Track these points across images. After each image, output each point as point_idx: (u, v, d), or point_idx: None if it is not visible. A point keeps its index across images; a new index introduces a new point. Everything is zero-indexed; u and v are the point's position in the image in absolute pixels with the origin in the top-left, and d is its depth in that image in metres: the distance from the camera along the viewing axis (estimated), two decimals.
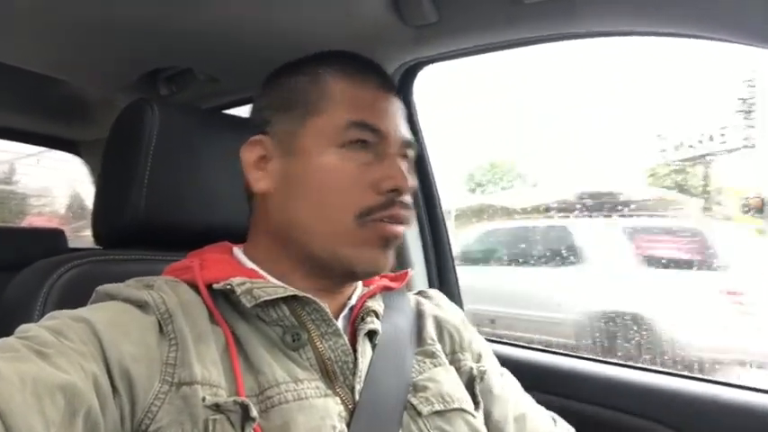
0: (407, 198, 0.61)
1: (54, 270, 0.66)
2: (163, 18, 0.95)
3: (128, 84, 1.20)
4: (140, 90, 1.22)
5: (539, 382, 0.92)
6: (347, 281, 0.64)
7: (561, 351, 1.05)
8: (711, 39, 0.73)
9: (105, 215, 0.77)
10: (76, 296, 0.57)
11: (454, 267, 1.18)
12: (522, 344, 1.11)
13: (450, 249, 1.18)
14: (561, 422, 0.74)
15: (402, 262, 1.12)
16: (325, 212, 0.59)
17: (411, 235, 1.15)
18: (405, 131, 0.64)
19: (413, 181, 0.64)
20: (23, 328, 0.48)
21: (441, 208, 1.18)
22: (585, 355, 1.02)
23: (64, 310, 0.52)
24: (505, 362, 0.77)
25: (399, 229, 0.61)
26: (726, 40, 0.71)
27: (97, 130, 1.67)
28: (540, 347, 1.08)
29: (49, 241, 1.78)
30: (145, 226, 0.74)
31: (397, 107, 0.65)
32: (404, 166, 0.62)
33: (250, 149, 0.64)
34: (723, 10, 0.68)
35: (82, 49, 1.07)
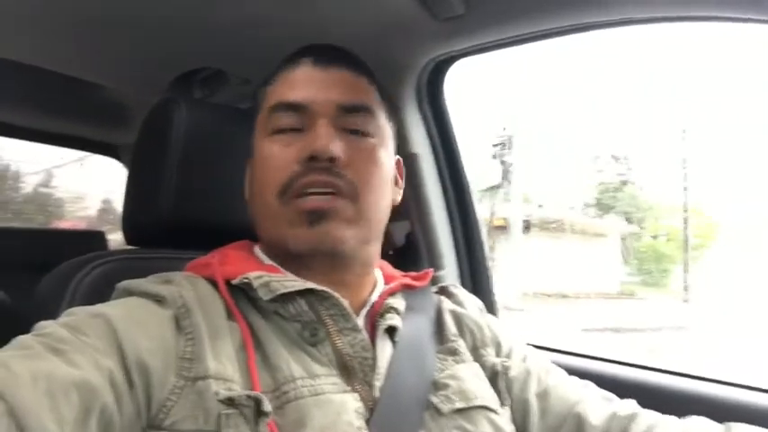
0: (336, 166, 0.57)
1: (80, 269, 0.66)
2: (194, 19, 0.96)
3: (163, 86, 1.23)
4: (176, 92, 1.24)
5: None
6: (310, 263, 0.60)
7: (617, 360, 1.00)
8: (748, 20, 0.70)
9: (134, 214, 0.78)
10: (102, 294, 0.58)
11: (488, 269, 1.15)
12: (571, 351, 1.06)
13: (483, 251, 1.15)
14: (593, 387, 0.69)
15: (433, 263, 1.10)
16: (259, 200, 0.61)
17: (442, 233, 1.13)
18: (341, 97, 0.60)
19: (361, 151, 0.60)
20: (40, 325, 0.48)
21: (474, 209, 1.15)
22: (643, 365, 0.97)
23: (82, 307, 0.52)
24: None
25: (323, 201, 0.57)
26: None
27: (135, 134, 1.71)
28: (592, 356, 1.03)
29: (90, 243, 1.84)
30: (173, 225, 0.74)
31: (335, 77, 0.61)
32: (337, 132, 0.59)
33: (249, 163, 0.68)
34: None
35: (117, 53, 1.10)
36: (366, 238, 0.62)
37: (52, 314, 0.51)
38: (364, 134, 0.62)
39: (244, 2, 0.89)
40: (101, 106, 1.53)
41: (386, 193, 0.64)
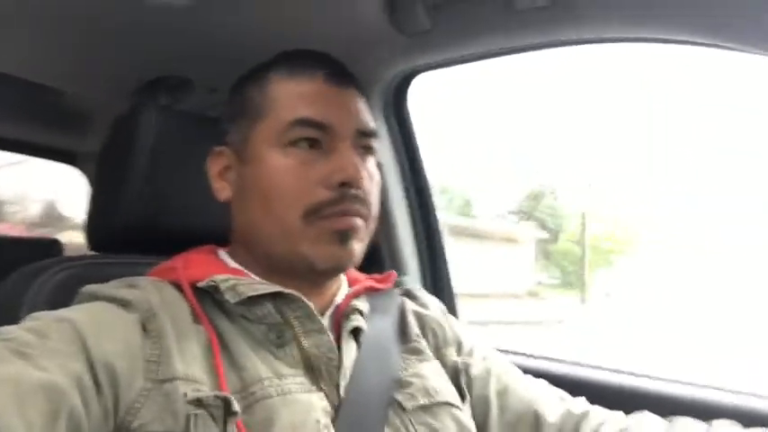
0: (362, 192, 0.60)
1: (41, 273, 0.65)
2: (160, 27, 0.96)
3: (127, 93, 1.21)
4: (141, 100, 1.23)
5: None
6: (319, 278, 0.63)
7: (568, 360, 1.04)
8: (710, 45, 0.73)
9: (98, 219, 0.77)
10: (64, 299, 0.57)
11: (448, 273, 1.18)
12: (526, 353, 1.10)
13: (444, 256, 1.18)
14: (549, 387, 0.73)
15: (396, 267, 1.12)
16: (274, 213, 0.59)
17: (405, 239, 1.16)
18: (359, 122, 0.62)
19: (370, 173, 0.62)
20: (4, 330, 0.48)
21: (435, 217, 1.18)
22: (594, 365, 1.01)
23: (46, 312, 0.52)
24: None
25: (354, 221, 0.60)
26: (738, 49, 0.70)
27: (96, 141, 1.67)
28: (546, 357, 1.07)
29: (45, 250, 1.78)
30: (137, 230, 0.74)
31: (349, 98, 0.63)
32: (358, 157, 0.61)
33: (213, 161, 0.66)
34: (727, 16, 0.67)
35: (79, 58, 1.08)
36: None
37: (12, 320, 0.51)
38: (371, 154, 0.64)
39: (210, 11, 0.90)
40: (60, 113, 1.50)
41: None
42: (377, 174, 0.65)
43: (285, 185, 0.59)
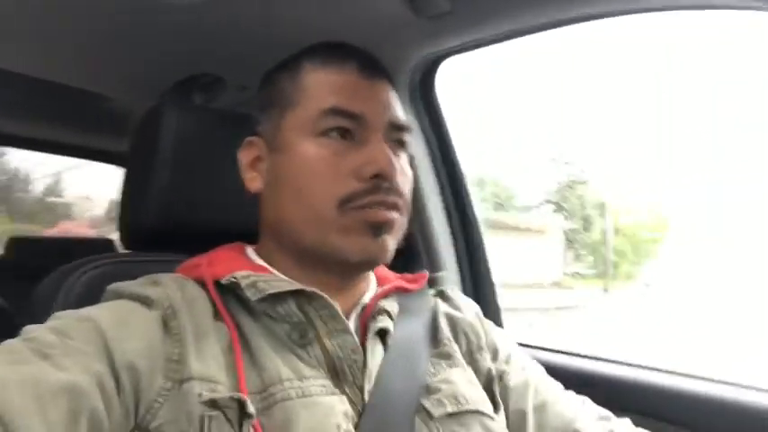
0: (395, 183, 0.58)
1: (71, 274, 0.67)
2: (192, 27, 0.97)
3: (160, 93, 1.24)
4: (175, 99, 1.25)
5: (577, 388, 0.89)
6: (349, 272, 0.61)
7: (601, 357, 1.00)
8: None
9: (127, 218, 0.78)
10: (93, 298, 0.58)
11: (489, 271, 1.13)
12: (558, 349, 1.06)
13: (484, 252, 1.14)
14: (590, 404, 0.70)
15: (431, 264, 1.09)
16: (307, 203, 0.58)
17: (441, 235, 1.12)
18: (392, 114, 0.61)
19: (402, 166, 0.61)
20: (28, 329, 0.48)
21: (473, 210, 1.14)
22: (628, 362, 0.97)
23: (69, 311, 0.52)
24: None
25: (388, 214, 0.58)
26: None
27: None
28: (578, 353, 1.03)
29: (99, 250, 1.84)
30: (164, 227, 0.75)
31: (381, 90, 0.62)
32: (390, 150, 0.59)
33: (245, 151, 0.65)
34: None
35: (116, 62, 1.11)
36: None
37: (43, 319, 0.52)
38: (403, 148, 0.63)
39: (238, 6, 0.90)
40: (101, 115, 1.55)
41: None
42: (409, 169, 0.63)
43: (317, 175, 0.58)
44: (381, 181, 0.57)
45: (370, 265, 0.62)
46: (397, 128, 0.61)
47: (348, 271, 0.61)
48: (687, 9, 0.75)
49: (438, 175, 1.14)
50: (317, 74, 0.61)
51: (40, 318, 0.60)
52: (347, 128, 0.58)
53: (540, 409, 0.64)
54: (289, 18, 0.93)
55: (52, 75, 1.17)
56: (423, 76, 1.07)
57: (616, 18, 0.83)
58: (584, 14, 0.83)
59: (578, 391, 0.73)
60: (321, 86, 0.60)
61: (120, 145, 1.84)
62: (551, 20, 0.85)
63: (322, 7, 0.89)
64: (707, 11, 0.77)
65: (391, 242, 0.59)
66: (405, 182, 0.61)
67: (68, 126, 1.68)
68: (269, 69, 0.68)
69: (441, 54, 1.02)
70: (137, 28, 0.97)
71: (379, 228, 0.58)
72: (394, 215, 0.59)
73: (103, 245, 1.91)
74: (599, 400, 0.72)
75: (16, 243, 1.85)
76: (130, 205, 0.78)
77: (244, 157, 0.65)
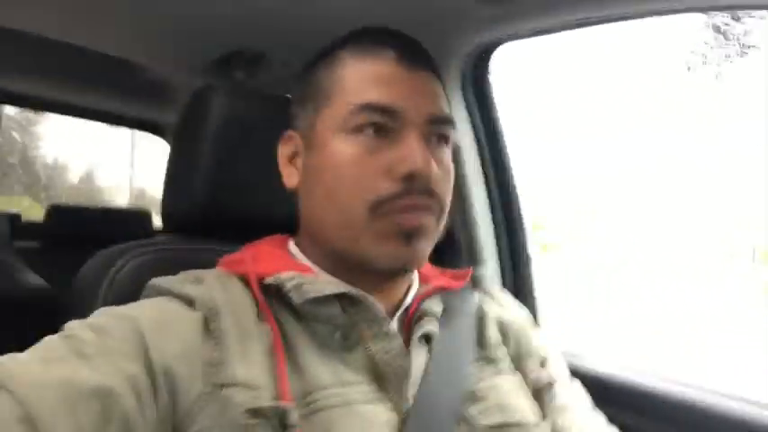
0: (430, 183, 0.54)
1: (116, 260, 0.66)
2: (236, 1, 0.94)
3: (205, 68, 1.22)
4: (217, 73, 1.23)
5: (608, 396, 0.84)
6: (382, 278, 0.58)
7: (636, 368, 0.96)
8: None
9: (171, 200, 0.77)
10: (138, 288, 0.58)
11: (530, 270, 1.09)
12: (590, 356, 1.02)
13: (527, 250, 1.09)
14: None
15: (473, 260, 1.06)
16: (338, 204, 0.55)
17: (484, 232, 1.08)
18: (432, 107, 0.57)
19: (442, 164, 0.57)
20: (68, 326, 0.48)
21: (519, 206, 1.09)
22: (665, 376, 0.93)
23: (110, 308, 0.51)
24: (575, 373, 0.71)
25: (421, 219, 0.54)
26: None
27: (177, 114, 1.73)
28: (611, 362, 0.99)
29: (136, 222, 1.89)
30: (209, 213, 0.74)
31: (422, 81, 0.57)
32: (428, 146, 0.55)
33: (283, 146, 0.63)
34: None
35: (161, 33, 1.10)
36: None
37: (88, 307, 0.52)
38: (444, 143, 0.59)
39: None
40: (146, 86, 1.56)
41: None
42: (451, 166, 0.59)
43: (348, 176, 0.54)
44: (415, 181, 0.53)
45: (402, 272, 0.59)
46: (437, 121, 0.57)
47: (380, 277, 0.58)
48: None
49: (484, 168, 1.09)
50: (351, 65, 0.58)
51: (82, 305, 0.60)
52: (381, 123, 0.54)
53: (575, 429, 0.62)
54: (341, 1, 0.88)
55: (97, 45, 1.16)
56: (476, 63, 1.02)
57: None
58: (645, 10, 0.78)
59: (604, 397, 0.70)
60: (355, 79, 0.57)
61: (165, 116, 1.85)
62: (618, 12, 0.81)
63: None
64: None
65: (426, 247, 0.57)
66: (444, 180, 0.57)
67: (109, 94, 1.70)
68: (309, 60, 0.64)
69: (498, 40, 0.96)
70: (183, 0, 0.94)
71: (411, 234, 0.54)
72: (427, 220, 0.55)
73: (141, 217, 1.94)
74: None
75: (57, 211, 1.89)
76: (175, 187, 0.77)
77: (282, 151, 0.63)
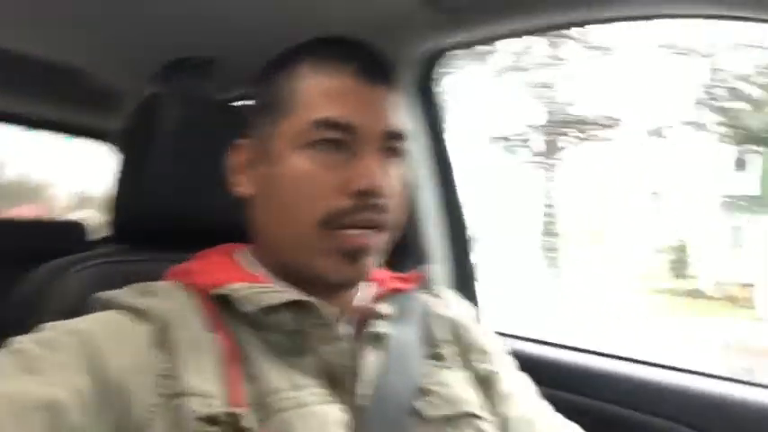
0: (383, 199, 0.55)
1: (62, 272, 0.65)
2: (184, 7, 0.94)
3: (153, 73, 1.20)
4: (165, 79, 1.21)
5: (556, 379, 0.90)
6: (332, 289, 0.60)
7: (580, 348, 1.03)
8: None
9: (122, 207, 0.76)
10: (85, 299, 0.57)
11: (472, 270, 1.14)
12: (538, 339, 1.08)
13: (468, 251, 1.14)
14: (578, 429, 0.69)
15: (421, 260, 1.09)
16: (289, 219, 0.56)
17: (432, 233, 1.11)
18: (388, 122, 0.57)
19: (396, 177, 0.58)
20: (14, 340, 0.47)
21: (461, 208, 1.14)
22: (605, 352, 1.00)
23: (58, 322, 0.51)
24: (520, 358, 0.74)
25: (368, 239, 0.56)
26: None
27: (125, 119, 1.69)
28: (557, 344, 1.05)
29: (69, 234, 1.82)
30: (160, 222, 0.73)
31: (380, 96, 0.57)
32: (383, 161, 0.56)
33: (234, 153, 0.63)
34: None
35: (107, 39, 1.08)
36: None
37: (32, 322, 0.51)
38: (398, 157, 0.59)
39: None
40: (91, 92, 1.51)
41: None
42: (404, 178, 0.60)
43: (302, 190, 0.55)
44: (368, 197, 0.54)
45: (349, 286, 0.61)
46: (393, 136, 0.58)
47: (330, 289, 0.59)
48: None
49: (432, 170, 1.13)
50: (309, 79, 0.58)
51: (25, 320, 0.58)
52: (337, 139, 0.55)
53: (529, 424, 0.64)
54: (292, 5, 0.89)
55: (40, 50, 1.13)
56: (425, 70, 1.05)
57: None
58: (595, 17, 0.83)
59: (553, 381, 0.75)
60: (312, 94, 0.57)
61: (110, 123, 1.80)
62: (570, 19, 0.85)
63: None
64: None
65: (371, 264, 0.58)
66: (395, 193, 0.58)
67: (54, 102, 1.64)
68: (261, 66, 0.64)
69: (447, 47, 0.99)
70: (131, 5, 0.93)
71: (356, 253, 0.56)
72: (374, 239, 0.56)
73: (75, 229, 1.86)
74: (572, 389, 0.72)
75: None
76: (124, 197, 0.76)
77: (231, 159, 0.63)
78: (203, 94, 1.23)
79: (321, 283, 0.58)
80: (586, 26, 0.87)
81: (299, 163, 0.55)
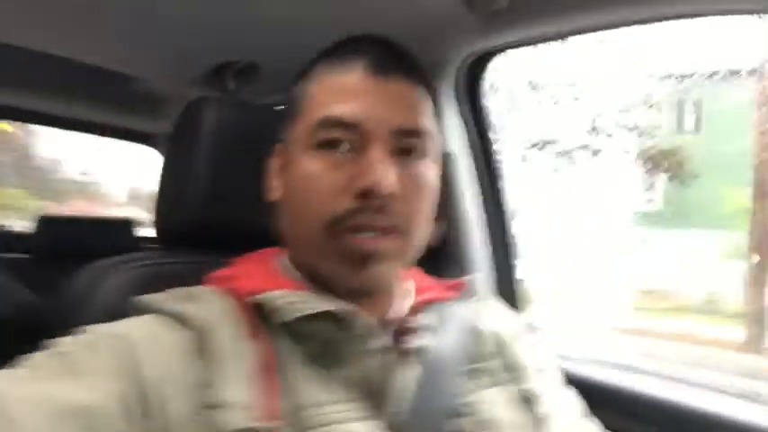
0: (389, 201, 0.51)
1: (106, 274, 0.66)
2: (228, 11, 0.94)
3: (196, 78, 1.22)
4: (209, 84, 1.23)
5: (607, 402, 0.85)
6: (355, 294, 0.56)
7: (634, 371, 0.98)
8: None
9: (165, 210, 0.77)
10: (127, 302, 0.57)
11: (516, 277, 1.10)
12: (589, 360, 1.03)
13: (514, 258, 1.10)
14: None
15: (466, 267, 1.05)
16: (299, 222, 0.55)
17: (478, 240, 1.08)
18: (400, 119, 0.54)
19: (413, 177, 0.54)
20: (60, 342, 0.48)
21: (508, 214, 1.10)
22: (665, 379, 0.94)
23: (100, 325, 0.51)
24: (570, 380, 0.71)
25: (378, 244, 0.52)
26: None
27: (171, 124, 1.72)
28: (610, 366, 1.00)
29: (119, 231, 1.87)
30: (202, 224, 0.73)
31: (392, 91, 0.54)
32: (394, 160, 0.52)
33: (273, 158, 0.62)
34: None
35: (152, 45, 1.10)
36: (407, 263, 0.58)
37: (76, 323, 0.51)
38: (418, 156, 0.55)
39: None
40: (137, 97, 1.55)
41: (431, 213, 0.58)
42: (429, 179, 0.56)
43: (310, 193, 0.53)
44: (371, 198, 0.51)
45: (365, 294, 0.56)
46: (408, 133, 0.54)
47: (351, 294, 0.56)
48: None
49: (478, 175, 1.10)
50: (321, 78, 0.56)
51: (70, 321, 0.59)
52: (343, 139, 0.53)
53: None
54: (331, 7, 0.89)
55: (88, 56, 1.16)
56: (470, 72, 1.03)
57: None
58: (638, 18, 0.81)
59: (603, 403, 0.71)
60: (322, 93, 0.55)
61: (156, 126, 1.85)
62: (612, 20, 0.82)
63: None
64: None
65: (386, 270, 0.54)
66: (414, 196, 0.54)
67: (101, 106, 1.70)
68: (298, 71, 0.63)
69: (492, 50, 0.98)
70: (175, 11, 0.95)
71: (367, 258, 0.52)
72: (386, 243, 0.53)
73: (125, 226, 1.92)
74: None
75: (46, 222, 1.87)
76: (168, 200, 0.77)
77: (270, 164, 0.62)
78: (246, 99, 1.24)
79: (342, 290, 0.55)
80: (635, 25, 0.84)
81: (307, 165, 0.54)
